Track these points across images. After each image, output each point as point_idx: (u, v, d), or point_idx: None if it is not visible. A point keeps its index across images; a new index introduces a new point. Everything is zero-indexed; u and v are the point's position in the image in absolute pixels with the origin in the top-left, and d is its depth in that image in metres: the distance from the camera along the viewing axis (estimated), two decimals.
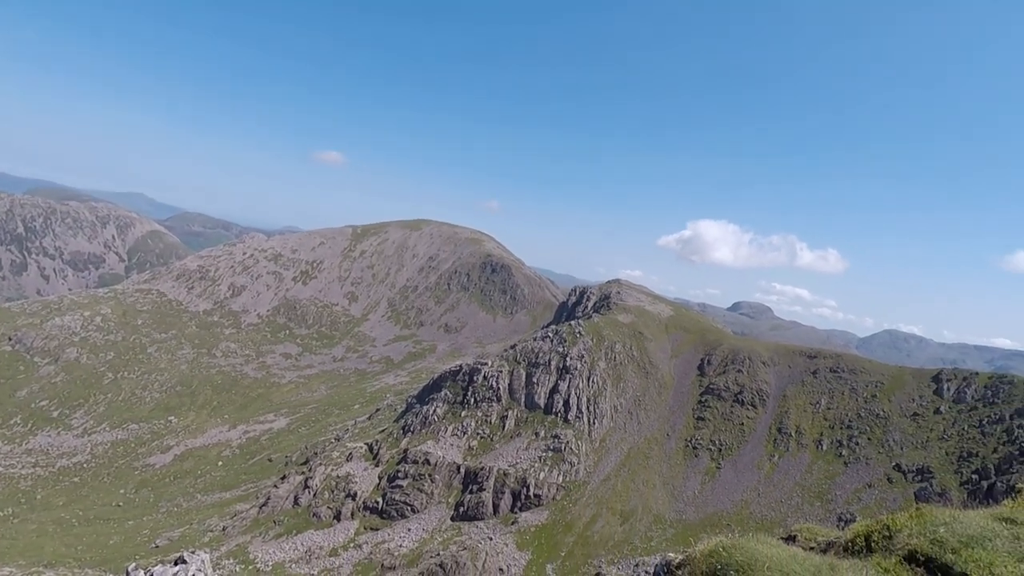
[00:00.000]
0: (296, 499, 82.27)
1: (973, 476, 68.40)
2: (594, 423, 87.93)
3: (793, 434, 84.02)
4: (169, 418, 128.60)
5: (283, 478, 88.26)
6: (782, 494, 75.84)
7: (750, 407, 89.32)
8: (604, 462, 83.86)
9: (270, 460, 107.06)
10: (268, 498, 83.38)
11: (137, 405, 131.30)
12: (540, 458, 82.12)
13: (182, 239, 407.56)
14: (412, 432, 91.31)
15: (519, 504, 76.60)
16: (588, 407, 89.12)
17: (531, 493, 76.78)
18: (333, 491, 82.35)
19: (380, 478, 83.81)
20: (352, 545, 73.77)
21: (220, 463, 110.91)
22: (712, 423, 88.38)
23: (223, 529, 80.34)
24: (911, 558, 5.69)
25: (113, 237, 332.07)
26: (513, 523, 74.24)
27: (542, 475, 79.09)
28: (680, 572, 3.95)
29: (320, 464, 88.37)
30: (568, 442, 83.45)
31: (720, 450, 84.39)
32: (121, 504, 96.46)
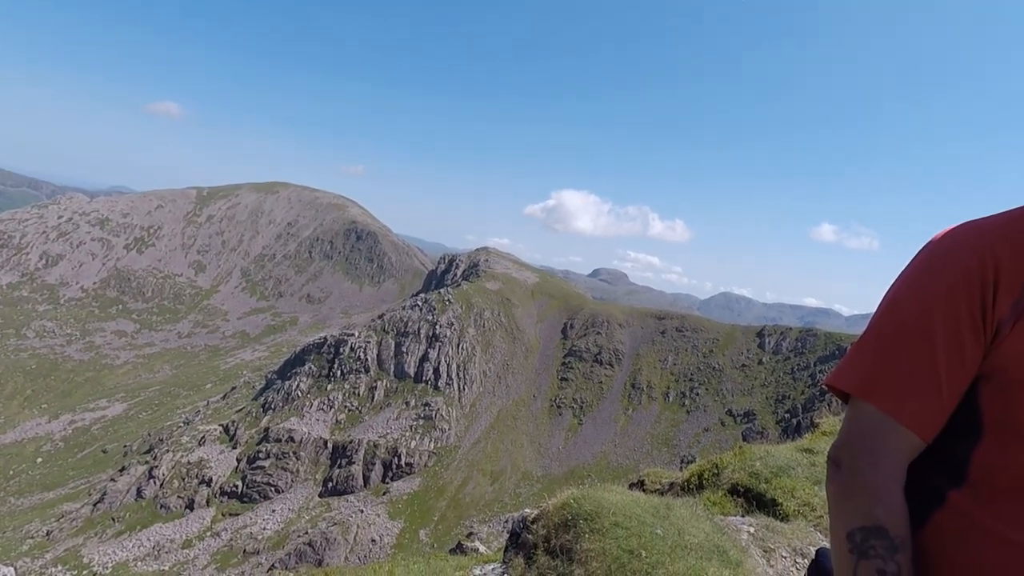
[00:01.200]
0: (139, 492, 74.82)
1: (786, 415, 79.98)
2: (464, 389, 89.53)
3: (645, 389, 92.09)
4: None
5: (122, 470, 79.66)
6: (635, 443, 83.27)
7: (608, 366, 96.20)
8: (474, 426, 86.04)
9: (104, 452, 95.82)
10: (104, 494, 74.94)
11: None
12: (411, 427, 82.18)
13: None
14: (274, 409, 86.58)
15: (390, 474, 76.35)
16: (458, 374, 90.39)
17: (403, 462, 76.81)
18: (184, 479, 76.01)
19: (239, 460, 78.81)
20: (209, 534, 69.02)
21: (39, 460, 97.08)
22: (574, 383, 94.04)
23: (47, 534, 71.02)
24: (734, 490, 6.52)
25: None
26: (385, 493, 73.95)
27: (413, 443, 79.31)
28: (535, 526, 4.15)
29: (167, 451, 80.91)
30: (439, 409, 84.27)
31: (581, 407, 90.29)
32: None
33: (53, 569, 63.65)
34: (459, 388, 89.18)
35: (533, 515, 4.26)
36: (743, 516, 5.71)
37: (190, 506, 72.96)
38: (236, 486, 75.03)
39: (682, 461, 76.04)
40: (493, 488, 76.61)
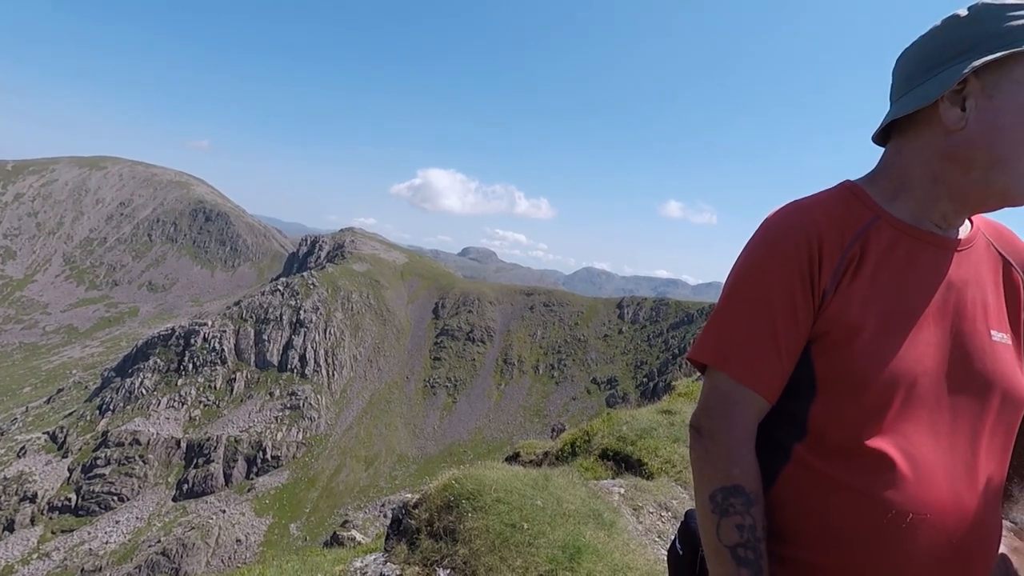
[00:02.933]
0: None
1: (644, 380, 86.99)
2: (333, 375, 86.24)
3: (516, 363, 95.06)
4: None
5: None
6: (509, 417, 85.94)
7: (480, 343, 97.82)
8: (346, 412, 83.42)
9: None
10: None
11: None
12: (277, 418, 77.66)
13: None
14: (113, 411, 77.14)
15: (255, 469, 71.76)
16: (326, 360, 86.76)
17: (268, 456, 72.49)
18: (0, 497, 65.52)
19: (71, 471, 69.43)
20: (35, 556, 60.35)
21: None
22: (448, 362, 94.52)
23: None
24: (604, 455, 6.95)
25: None
26: (249, 490, 69.44)
27: (280, 435, 75.11)
28: (417, 511, 4.09)
29: None
30: (307, 397, 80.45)
31: (455, 386, 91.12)
32: None
33: None
34: (328, 374, 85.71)
35: (415, 500, 4.20)
36: (614, 479, 6.13)
37: (10, 527, 63.13)
38: (69, 499, 66.14)
39: (552, 430, 79.90)
40: (368, 473, 75.14)
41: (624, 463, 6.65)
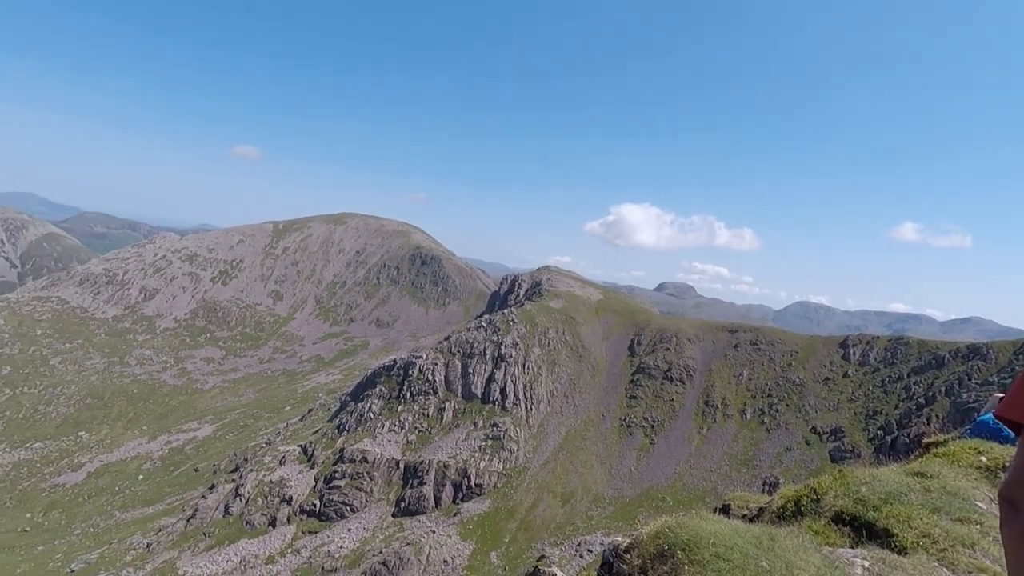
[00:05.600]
0: (227, 508, 78.58)
1: (879, 432, 74.52)
2: (531, 409, 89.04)
3: (719, 406, 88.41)
4: (79, 433, 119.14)
5: (212, 488, 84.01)
6: (712, 464, 79.83)
7: (679, 383, 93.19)
8: (543, 447, 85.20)
9: (196, 470, 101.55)
10: (196, 510, 79.19)
11: (41, 422, 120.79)
12: (480, 447, 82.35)
13: (83, 241, 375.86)
14: (348, 431, 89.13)
15: (461, 495, 76.60)
16: (525, 393, 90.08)
17: (472, 483, 76.92)
18: (267, 497, 79.24)
19: (316, 480, 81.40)
20: (290, 551, 71.40)
21: (140, 477, 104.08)
22: (644, 401, 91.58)
23: (147, 546, 75.66)
24: (838, 518, 5.99)
25: (2, 242, 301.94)
26: (456, 514, 74.20)
27: (482, 464, 79.38)
28: (629, 556, 3.92)
29: (251, 470, 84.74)
30: (507, 429, 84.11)
31: (653, 426, 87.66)
32: (28, 529, 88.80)
33: None
34: (526, 408, 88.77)
35: (625, 544, 4.03)
36: (853, 548, 5.21)
37: (272, 523, 75.85)
38: (314, 505, 77.45)
39: (765, 483, 72.14)
40: (564, 510, 75.30)
41: (865, 531, 5.64)
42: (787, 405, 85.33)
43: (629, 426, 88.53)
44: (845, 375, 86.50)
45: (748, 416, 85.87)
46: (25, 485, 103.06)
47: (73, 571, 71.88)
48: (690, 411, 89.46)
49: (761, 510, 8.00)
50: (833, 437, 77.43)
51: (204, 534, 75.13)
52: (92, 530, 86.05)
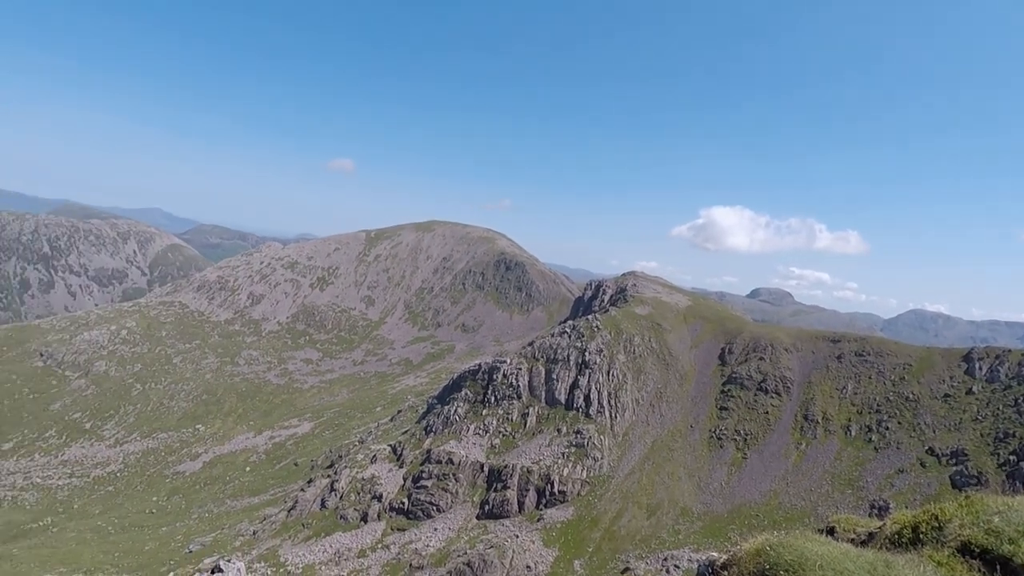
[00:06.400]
0: (323, 502, 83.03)
1: (1011, 457, 66.74)
2: (616, 417, 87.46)
3: (820, 421, 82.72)
4: (197, 426, 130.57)
5: (309, 482, 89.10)
6: (811, 482, 74.74)
7: (774, 395, 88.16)
8: (628, 456, 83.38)
9: (296, 464, 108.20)
10: (296, 502, 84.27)
11: (165, 415, 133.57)
12: (563, 454, 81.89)
13: (201, 251, 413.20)
14: (434, 432, 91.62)
15: (544, 501, 76.47)
16: (609, 401, 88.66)
17: (556, 490, 76.59)
18: (359, 493, 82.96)
19: (405, 479, 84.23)
20: (380, 546, 74.27)
21: (248, 469, 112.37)
22: (736, 412, 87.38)
23: (253, 533, 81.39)
24: (965, 549, 5.38)
25: (134, 252, 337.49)
26: (539, 520, 74.14)
27: (566, 471, 78.86)
28: (726, 573, 3.73)
29: (345, 467, 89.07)
30: (591, 437, 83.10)
31: (745, 440, 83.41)
32: (154, 511, 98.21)
33: (258, 565, 72.64)
34: (611, 416, 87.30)
35: (722, 560, 3.85)
36: None
37: (364, 518, 79.27)
38: (403, 503, 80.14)
39: (872, 507, 66.60)
40: (650, 522, 73.19)
41: (1000, 566, 5.02)
42: (899, 423, 78.37)
43: (719, 438, 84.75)
44: (969, 392, 78.25)
45: (853, 433, 79.66)
46: (152, 471, 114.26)
47: (191, 551, 78.63)
48: (787, 425, 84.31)
49: (871, 535, 7.37)
50: (954, 460, 70.15)
51: (303, 525, 79.78)
52: (207, 515, 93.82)
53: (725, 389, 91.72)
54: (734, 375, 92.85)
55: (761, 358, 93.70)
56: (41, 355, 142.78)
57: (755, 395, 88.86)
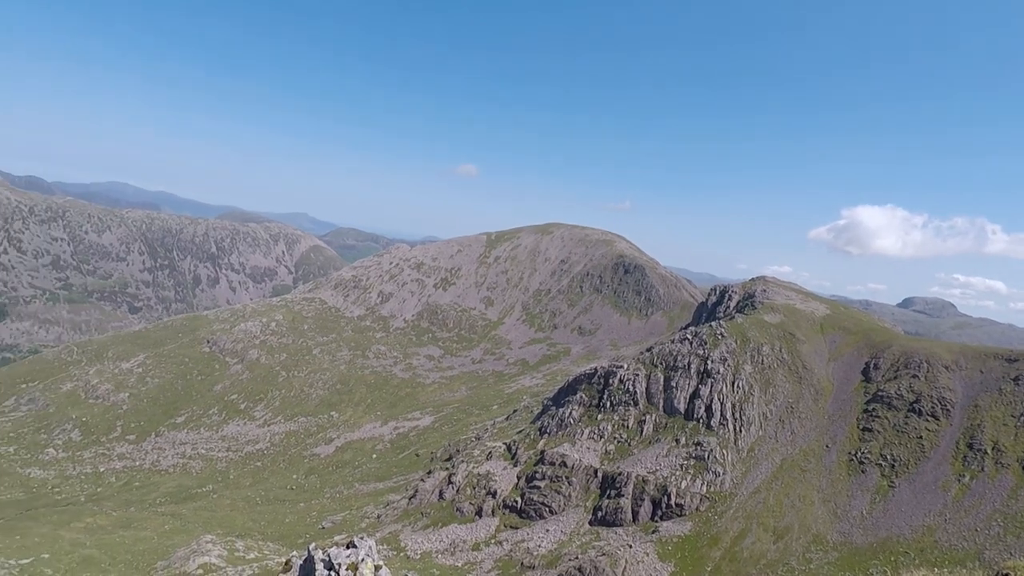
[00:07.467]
0: (441, 493, 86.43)
1: None
2: (740, 431, 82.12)
3: (990, 451, 71.70)
4: (331, 413, 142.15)
5: (429, 473, 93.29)
6: (977, 521, 64.94)
7: (930, 418, 77.87)
8: (753, 473, 77.90)
9: (417, 455, 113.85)
10: (416, 491, 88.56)
11: (305, 401, 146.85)
12: (682, 466, 78.39)
13: (338, 252, 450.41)
14: (548, 434, 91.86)
15: (659, 513, 73.66)
16: (733, 414, 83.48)
17: (672, 502, 73.47)
18: (475, 488, 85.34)
19: (518, 478, 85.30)
20: (493, 541, 75.80)
21: (374, 456, 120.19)
22: (882, 435, 78.33)
23: (378, 517, 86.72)
24: None
25: (283, 252, 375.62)
26: (654, 532, 71.55)
27: (684, 484, 75.39)
28: None
29: (462, 461, 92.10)
30: (712, 450, 78.76)
31: (893, 466, 74.47)
32: (294, 488, 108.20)
33: (381, 547, 77.37)
34: (735, 429, 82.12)
35: None
36: None
37: (479, 513, 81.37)
38: (516, 501, 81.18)
39: None
40: (777, 547, 67.74)
41: None
42: None
43: (861, 462, 76.43)
44: None
45: None
46: (292, 452, 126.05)
47: (324, 528, 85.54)
48: (945, 453, 74.03)
49: None
50: None
51: (422, 513, 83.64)
52: (338, 495, 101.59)
53: (869, 408, 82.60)
54: (880, 393, 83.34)
55: (914, 375, 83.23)
56: (207, 342, 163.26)
57: (906, 417, 79.07)
